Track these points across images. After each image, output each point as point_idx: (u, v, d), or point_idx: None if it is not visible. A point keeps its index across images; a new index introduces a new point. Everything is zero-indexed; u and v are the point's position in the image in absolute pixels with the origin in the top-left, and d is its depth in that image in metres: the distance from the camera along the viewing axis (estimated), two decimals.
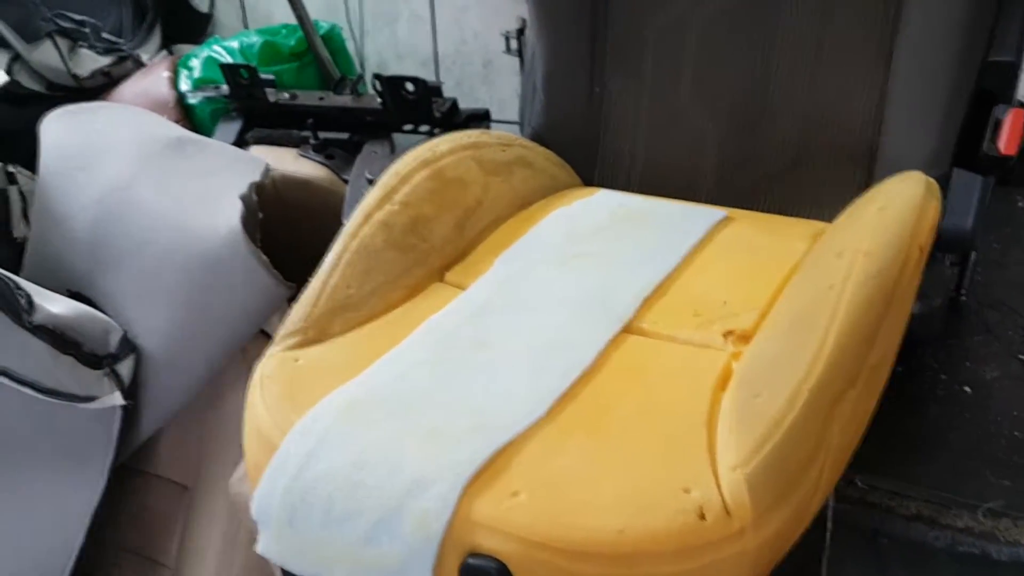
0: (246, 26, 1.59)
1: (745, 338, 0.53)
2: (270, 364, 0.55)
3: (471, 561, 0.42)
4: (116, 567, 0.93)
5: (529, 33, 0.87)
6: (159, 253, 0.81)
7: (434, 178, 0.68)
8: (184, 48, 1.47)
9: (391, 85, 1.12)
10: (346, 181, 1.15)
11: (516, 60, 1.40)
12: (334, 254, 0.62)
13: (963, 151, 0.66)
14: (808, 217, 0.73)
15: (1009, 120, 0.61)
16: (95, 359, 0.82)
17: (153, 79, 1.30)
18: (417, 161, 0.68)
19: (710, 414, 0.47)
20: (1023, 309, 0.72)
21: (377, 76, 1.12)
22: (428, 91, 1.11)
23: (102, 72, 1.38)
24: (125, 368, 0.83)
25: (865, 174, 0.72)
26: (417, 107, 1.13)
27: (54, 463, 0.83)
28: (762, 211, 0.75)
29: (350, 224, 0.64)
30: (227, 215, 0.81)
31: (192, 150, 0.90)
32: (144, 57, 1.45)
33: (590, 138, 0.82)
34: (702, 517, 0.41)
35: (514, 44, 1.38)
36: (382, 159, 1.12)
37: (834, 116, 0.73)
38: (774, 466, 0.42)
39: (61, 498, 0.84)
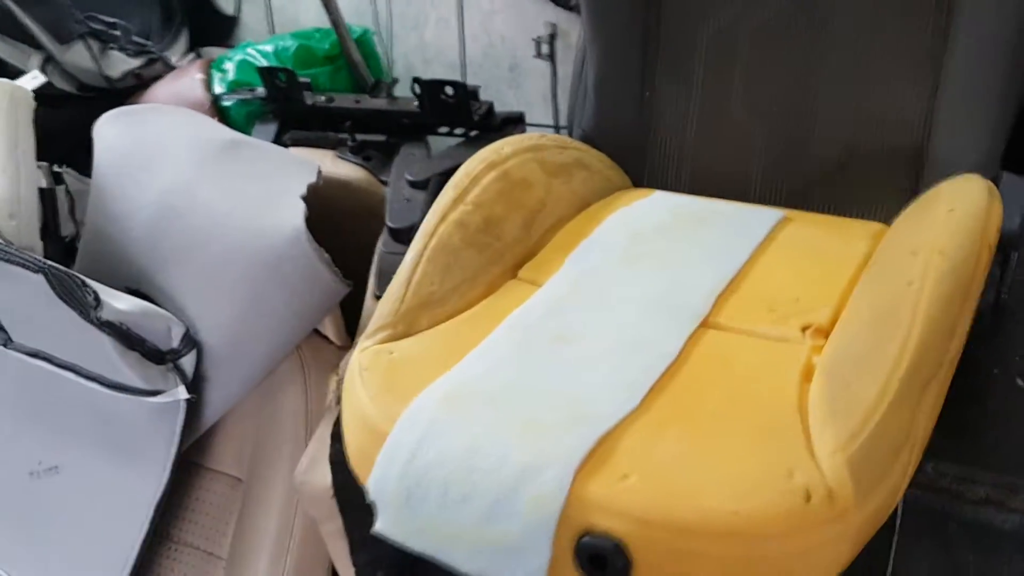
0: (273, 30, 1.61)
1: (822, 332, 0.56)
2: (366, 357, 0.57)
3: (588, 540, 0.44)
4: (174, 561, 0.94)
5: (581, 39, 0.89)
6: (222, 251, 0.83)
7: (501, 179, 0.70)
8: (212, 51, 1.49)
9: (430, 88, 1.14)
10: (383, 182, 1.17)
11: (542, 64, 1.43)
12: (415, 252, 0.64)
13: (1011, 155, 0.69)
14: (855, 218, 0.76)
15: None
16: (158, 355, 0.83)
17: (187, 82, 1.32)
18: (485, 163, 0.71)
19: (800, 404, 0.50)
20: None
21: (416, 79, 1.14)
22: (467, 94, 1.13)
23: (133, 74, 1.40)
24: (188, 363, 0.85)
25: (913, 177, 0.75)
26: (455, 110, 1.16)
27: (119, 457, 0.85)
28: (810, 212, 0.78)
29: (427, 224, 0.66)
30: (290, 215, 0.83)
31: (247, 151, 0.92)
32: (172, 59, 1.47)
33: (640, 141, 0.85)
34: (808, 499, 0.43)
35: (545, 49, 1.41)
36: (421, 160, 1.14)
37: (883, 121, 0.76)
38: (871, 450, 0.45)
39: (125, 492, 0.85)
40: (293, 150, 1.16)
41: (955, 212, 0.56)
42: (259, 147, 0.95)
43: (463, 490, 0.47)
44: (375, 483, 0.50)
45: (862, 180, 0.78)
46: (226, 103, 1.28)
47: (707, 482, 0.45)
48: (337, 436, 0.75)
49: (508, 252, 0.67)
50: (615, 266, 0.65)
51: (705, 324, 0.58)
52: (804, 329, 0.56)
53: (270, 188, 0.88)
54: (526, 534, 0.45)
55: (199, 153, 0.89)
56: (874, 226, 0.71)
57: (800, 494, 0.43)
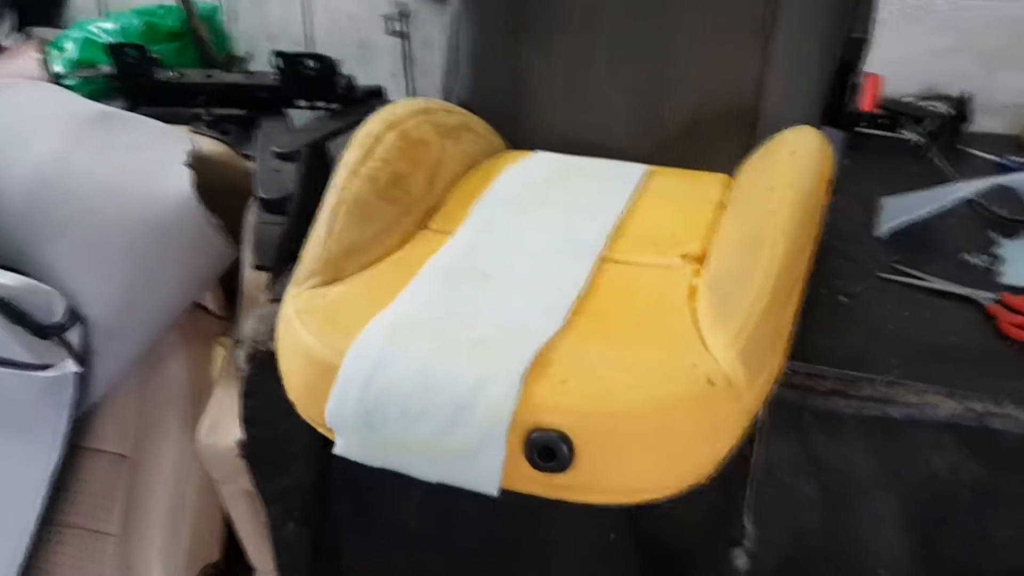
0: (101, 11, 1.54)
1: (697, 259, 0.66)
2: (301, 301, 0.61)
3: (537, 435, 0.51)
4: (59, 544, 0.92)
5: (451, 13, 0.95)
6: (105, 222, 0.83)
7: (402, 138, 0.75)
8: (42, 31, 1.42)
9: (292, 62, 1.16)
10: (245, 156, 1.18)
11: (391, 41, 1.47)
12: (330, 205, 0.68)
13: (828, 111, 0.83)
14: (703, 170, 0.88)
15: (868, 85, 0.78)
16: (41, 329, 0.82)
17: (23, 62, 1.26)
18: (384, 123, 0.75)
19: (692, 316, 0.60)
20: (862, 239, 0.91)
21: (278, 52, 1.16)
22: (330, 68, 1.16)
23: None
24: (74, 337, 0.83)
25: (750, 134, 0.87)
26: (317, 83, 1.18)
27: (8, 437, 0.82)
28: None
29: (338, 179, 0.70)
30: (174, 182, 0.84)
31: (119, 122, 0.91)
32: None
33: (513, 108, 0.92)
34: (711, 384, 0.53)
35: (396, 26, 1.46)
36: (286, 133, 1.16)
37: (723, 86, 0.88)
38: (755, 344, 0.55)
39: (14, 473, 0.83)
40: None
41: (797, 154, 0.68)
42: (129, 118, 0.94)
43: (420, 406, 0.52)
44: (333, 410, 0.54)
45: (707, 138, 0.89)
46: (68, 82, 1.23)
47: (630, 378, 0.53)
48: (248, 392, 0.77)
49: (416, 205, 0.72)
50: (516, 214, 0.72)
51: (602, 259, 0.67)
52: (683, 257, 0.66)
53: (149, 157, 0.87)
54: (483, 438, 0.51)
55: (70, 125, 0.87)
56: (721, 176, 0.83)
57: (704, 380, 0.53)
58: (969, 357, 0.70)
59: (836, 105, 0.82)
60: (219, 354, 0.97)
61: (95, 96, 1.21)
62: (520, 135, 0.93)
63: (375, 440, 0.53)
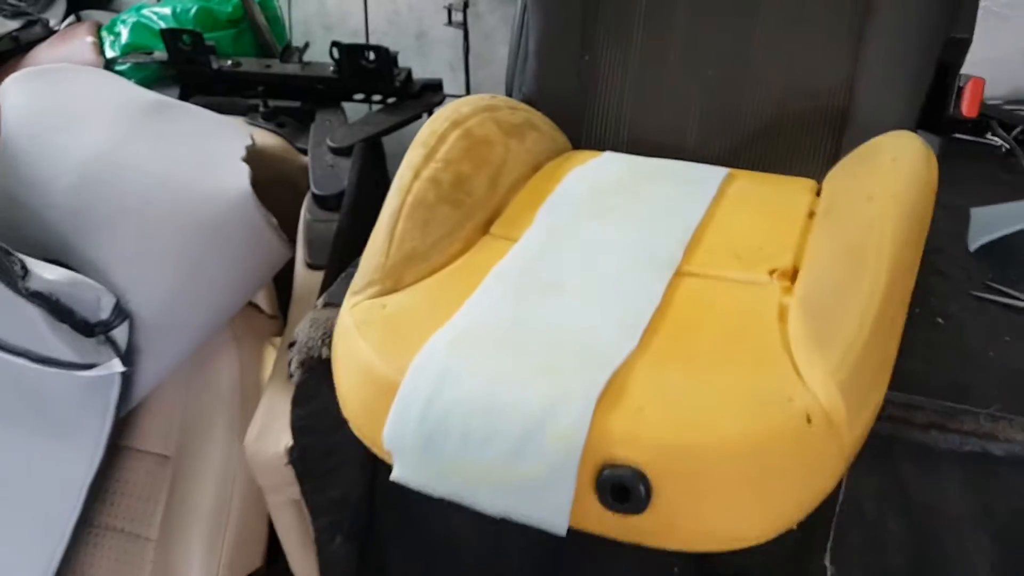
0: None
1: (787, 275, 0.60)
2: (359, 312, 0.57)
3: (609, 472, 0.47)
4: (96, 547, 0.90)
5: (520, 3, 0.90)
6: (159, 216, 0.80)
7: (465, 137, 0.71)
8: (93, 14, 1.41)
9: (350, 53, 1.13)
10: (300, 149, 1.15)
11: (449, 32, 1.43)
12: (391, 208, 0.64)
13: (926, 116, 0.76)
14: (783, 174, 0.82)
15: (969, 88, 0.72)
16: (87, 327, 0.79)
17: (75, 45, 1.24)
18: (448, 122, 0.71)
19: (783, 340, 0.54)
20: (955, 251, 0.84)
21: (336, 44, 1.12)
22: (388, 60, 1.12)
23: (10, 36, 1.30)
24: (120, 335, 0.80)
25: (837, 138, 0.81)
26: (375, 76, 1.14)
27: (46, 437, 0.80)
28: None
29: (400, 181, 0.66)
30: (233, 178, 0.80)
31: (174, 113, 0.88)
32: (51, 22, 1.37)
33: (579, 104, 0.87)
34: (808, 420, 0.47)
35: (457, 16, 1.41)
36: (341, 127, 1.12)
37: (810, 86, 0.81)
38: (857, 375, 0.49)
39: (55, 474, 0.81)
40: None
41: (899, 161, 0.62)
42: (184, 109, 0.91)
43: (484, 431, 0.48)
44: (391, 431, 0.50)
45: (790, 141, 0.83)
46: (120, 67, 1.21)
47: (715, 409, 0.48)
48: (299, 401, 0.73)
49: (479, 208, 0.68)
50: (585, 219, 0.67)
51: (679, 272, 0.61)
52: (771, 273, 0.61)
53: (205, 151, 0.84)
54: (551, 469, 0.47)
55: (123, 115, 0.84)
56: (807, 181, 0.77)
57: (801, 416, 0.47)
58: None
59: (934, 109, 0.76)
60: (270, 355, 0.94)
61: (147, 83, 1.19)
62: (586, 134, 0.88)
63: (435, 466, 0.49)
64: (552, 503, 0.47)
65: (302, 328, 0.73)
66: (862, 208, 0.59)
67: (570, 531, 0.48)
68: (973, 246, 0.84)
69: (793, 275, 0.61)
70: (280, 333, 0.97)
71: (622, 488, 0.46)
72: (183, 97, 1.18)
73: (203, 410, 0.91)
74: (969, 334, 0.70)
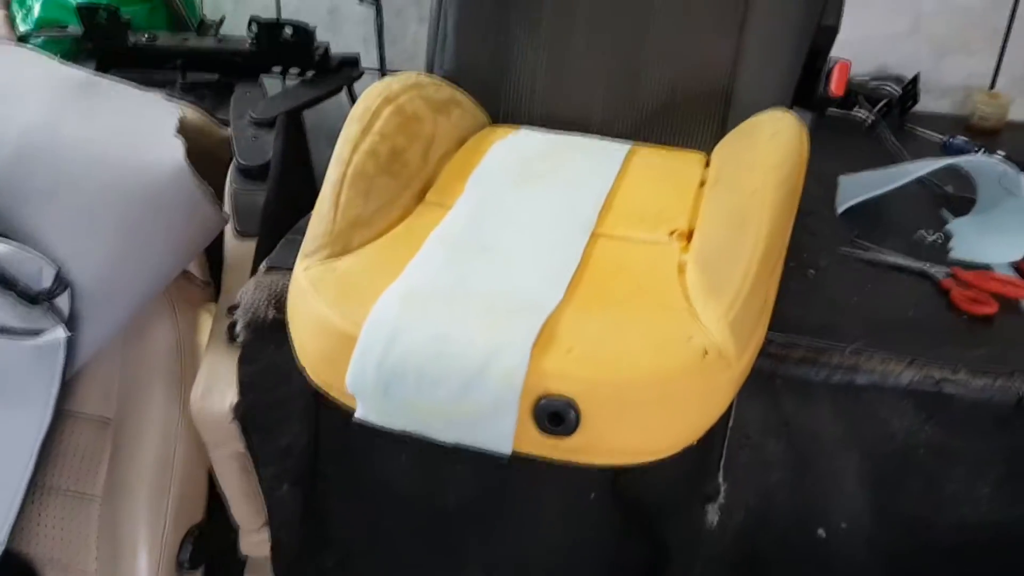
0: None
1: (684, 235, 0.70)
2: (313, 273, 0.64)
3: (545, 401, 0.55)
4: (44, 507, 0.93)
5: None
6: (95, 189, 0.83)
7: (397, 113, 0.77)
8: None
9: (269, 29, 1.16)
10: (222, 121, 1.17)
11: (361, 8, 1.47)
12: (333, 179, 0.70)
13: (800, 94, 0.88)
14: (677, 147, 0.92)
15: (837, 70, 0.83)
16: (31, 296, 0.82)
17: None
18: (380, 98, 0.77)
19: (683, 290, 0.64)
20: (825, 213, 0.96)
21: (254, 19, 1.15)
22: (307, 36, 1.16)
23: None
24: (62, 303, 0.84)
25: (722, 116, 0.91)
26: (293, 50, 1.18)
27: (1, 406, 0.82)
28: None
29: (340, 153, 0.72)
30: (167, 152, 0.84)
31: (105, 89, 0.90)
32: None
33: (496, 81, 0.95)
34: (705, 354, 0.57)
35: None
36: (263, 100, 1.16)
37: (698, 69, 0.91)
38: (744, 316, 0.60)
39: (5, 439, 0.83)
40: None
41: (776, 136, 0.73)
42: (115, 85, 0.93)
43: (436, 374, 0.56)
44: (353, 378, 0.57)
45: (683, 118, 0.93)
46: (34, 41, 1.21)
47: (630, 348, 0.57)
48: (246, 359, 0.79)
49: (414, 179, 0.75)
50: (510, 188, 0.75)
51: (594, 234, 0.70)
52: (671, 234, 0.71)
53: (139, 125, 0.87)
54: (496, 403, 0.55)
55: (58, 90, 0.86)
56: (698, 154, 0.87)
57: (700, 351, 0.57)
58: (926, 328, 0.76)
59: (807, 88, 0.87)
60: (205, 320, 0.98)
61: (64, 58, 1.19)
62: (503, 110, 0.95)
63: (394, 405, 0.56)
64: (497, 431, 0.55)
65: (246, 291, 0.79)
66: (745, 177, 0.69)
67: (495, 468, 0.56)
68: (840, 209, 0.97)
69: (689, 235, 0.71)
70: (213, 299, 1.01)
71: (556, 415, 0.55)
72: (99, 70, 1.18)
73: (142, 373, 0.95)
74: (836, 283, 0.83)
